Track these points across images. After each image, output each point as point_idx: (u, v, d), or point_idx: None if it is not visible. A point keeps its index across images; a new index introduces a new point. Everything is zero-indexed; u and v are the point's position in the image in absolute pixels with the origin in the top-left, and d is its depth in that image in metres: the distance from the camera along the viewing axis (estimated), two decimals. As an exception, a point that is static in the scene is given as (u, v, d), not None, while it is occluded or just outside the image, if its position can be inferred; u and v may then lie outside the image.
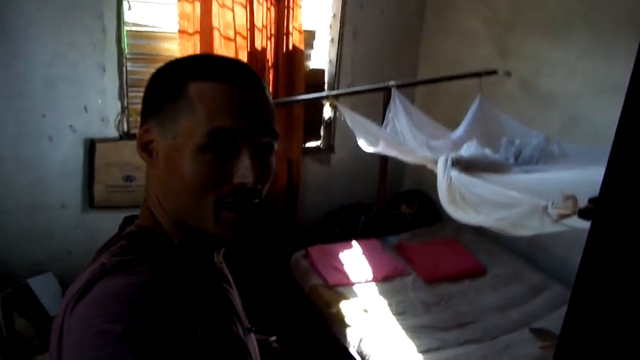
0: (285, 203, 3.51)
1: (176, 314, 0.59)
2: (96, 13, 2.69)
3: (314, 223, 3.76)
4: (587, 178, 1.55)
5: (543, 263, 3.04)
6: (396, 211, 3.75)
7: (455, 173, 1.95)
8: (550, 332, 2.32)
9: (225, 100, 0.64)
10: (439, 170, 2.08)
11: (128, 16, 2.81)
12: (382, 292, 2.70)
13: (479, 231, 3.31)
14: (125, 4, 2.78)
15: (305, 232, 3.64)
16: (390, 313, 2.54)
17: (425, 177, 3.85)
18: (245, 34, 2.97)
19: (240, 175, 0.64)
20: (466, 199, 1.87)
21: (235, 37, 2.93)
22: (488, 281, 2.85)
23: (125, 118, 2.93)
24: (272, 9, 3.02)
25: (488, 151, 2.25)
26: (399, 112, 2.61)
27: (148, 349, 0.53)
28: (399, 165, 3.95)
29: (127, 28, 2.80)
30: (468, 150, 2.23)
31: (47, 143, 2.79)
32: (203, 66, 0.66)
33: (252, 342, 0.79)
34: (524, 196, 1.54)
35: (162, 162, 0.67)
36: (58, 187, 2.88)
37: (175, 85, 0.65)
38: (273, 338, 1.03)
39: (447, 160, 2.07)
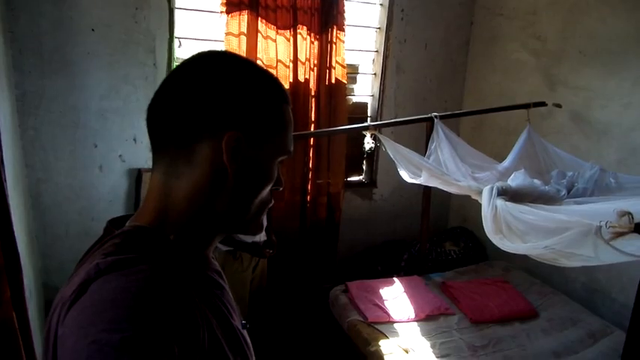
0: (326, 238, 3.46)
1: (176, 317, 0.56)
2: (149, 49, 2.83)
3: (355, 258, 3.67)
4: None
5: (602, 308, 2.81)
6: (441, 249, 3.60)
7: (500, 202, 1.85)
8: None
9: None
10: (484, 200, 1.98)
11: (178, 52, 2.95)
12: (424, 332, 2.56)
13: (529, 271, 3.12)
14: (176, 42, 2.92)
15: (345, 268, 3.55)
16: (432, 354, 2.39)
17: (470, 214, 3.72)
18: (288, 65, 3.04)
19: (281, 183, 0.77)
20: (512, 228, 1.75)
21: (277, 66, 3.00)
22: (541, 325, 2.65)
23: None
24: (315, 43, 3.09)
25: (537, 182, 2.13)
26: (442, 142, 2.54)
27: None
28: (444, 202, 3.85)
29: (176, 63, 2.93)
30: (516, 180, 2.12)
31: (98, 172, 2.90)
32: (284, 90, 0.75)
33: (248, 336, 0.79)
34: (576, 218, 1.42)
35: (243, 167, 0.69)
36: (105, 214, 2.92)
37: (274, 105, 0.72)
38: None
39: (492, 189, 1.97)
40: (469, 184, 2.21)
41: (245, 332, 0.77)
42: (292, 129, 0.75)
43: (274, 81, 0.74)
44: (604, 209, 1.56)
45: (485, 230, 1.91)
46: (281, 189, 0.78)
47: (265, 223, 0.79)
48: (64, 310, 0.57)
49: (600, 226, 1.30)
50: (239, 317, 0.77)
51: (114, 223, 0.72)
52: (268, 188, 0.74)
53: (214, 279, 0.75)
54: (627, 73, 2.67)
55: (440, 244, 3.64)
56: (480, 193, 2.06)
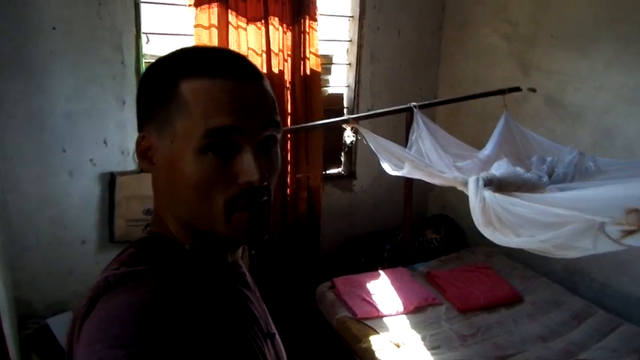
0: (307, 232, 3.42)
1: (184, 331, 0.54)
2: (115, 46, 2.70)
3: (337, 252, 3.65)
4: (635, 192, 1.43)
5: (582, 288, 2.87)
6: (423, 238, 3.62)
7: (488, 193, 1.84)
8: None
9: (220, 97, 0.59)
10: (470, 191, 1.97)
11: (147, 48, 2.82)
12: (414, 325, 2.55)
13: (510, 255, 3.16)
14: (143, 38, 2.79)
15: (329, 262, 3.53)
16: (424, 347, 2.38)
17: (449, 201, 3.75)
18: (260, 54, 2.96)
19: (246, 174, 0.60)
20: (503, 221, 1.75)
21: (248, 56, 2.92)
22: (527, 309, 2.68)
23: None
24: (288, 33, 3.01)
25: (520, 170, 2.14)
26: (422, 132, 2.52)
27: None
28: (423, 190, 3.85)
29: (145, 60, 2.81)
30: (499, 169, 2.12)
31: (68, 178, 2.77)
32: (192, 61, 0.62)
33: (278, 345, 0.75)
34: (575, 213, 1.42)
35: (163, 168, 0.63)
36: (78, 222, 2.84)
37: (166, 85, 0.61)
38: None
39: (478, 180, 1.96)
40: (454, 176, 2.20)
41: (275, 341, 0.74)
42: (211, 104, 0.59)
43: (179, 55, 0.63)
44: (596, 196, 1.56)
45: (475, 223, 1.90)
46: (249, 179, 0.60)
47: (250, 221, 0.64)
48: (78, 325, 0.57)
49: (604, 223, 1.30)
50: (266, 328, 0.72)
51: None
52: (210, 183, 0.60)
53: (237, 289, 0.71)
54: (599, 55, 2.70)
55: (421, 233, 3.65)
56: (466, 184, 2.05)
